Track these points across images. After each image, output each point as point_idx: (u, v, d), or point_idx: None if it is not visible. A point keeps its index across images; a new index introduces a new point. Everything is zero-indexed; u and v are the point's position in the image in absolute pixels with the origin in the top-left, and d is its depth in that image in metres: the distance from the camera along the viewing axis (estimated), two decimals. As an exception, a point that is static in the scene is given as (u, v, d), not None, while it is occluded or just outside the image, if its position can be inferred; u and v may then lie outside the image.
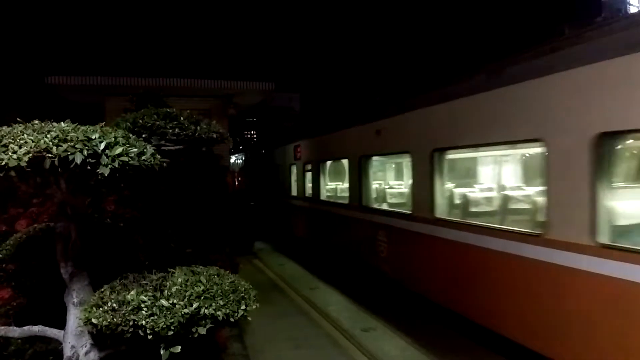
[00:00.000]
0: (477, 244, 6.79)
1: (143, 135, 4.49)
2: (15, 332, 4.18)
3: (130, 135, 3.70)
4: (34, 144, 3.06)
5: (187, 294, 3.59)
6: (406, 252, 8.79)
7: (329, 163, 13.62)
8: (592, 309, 5.05)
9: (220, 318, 3.60)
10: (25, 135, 3.12)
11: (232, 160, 26.04)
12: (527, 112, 6.05)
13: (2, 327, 4.23)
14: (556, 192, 5.67)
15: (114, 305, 3.54)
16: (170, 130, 4.71)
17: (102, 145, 3.22)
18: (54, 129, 3.21)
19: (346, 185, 12.19)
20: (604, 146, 5.08)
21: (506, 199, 8.24)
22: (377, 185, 11.50)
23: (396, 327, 8.55)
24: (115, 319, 3.46)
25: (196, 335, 3.57)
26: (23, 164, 3.00)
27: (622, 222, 5.30)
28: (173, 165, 4.18)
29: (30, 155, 3.02)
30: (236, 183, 26.34)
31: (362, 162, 10.58)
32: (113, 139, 3.33)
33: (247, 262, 14.27)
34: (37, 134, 3.15)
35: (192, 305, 3.52)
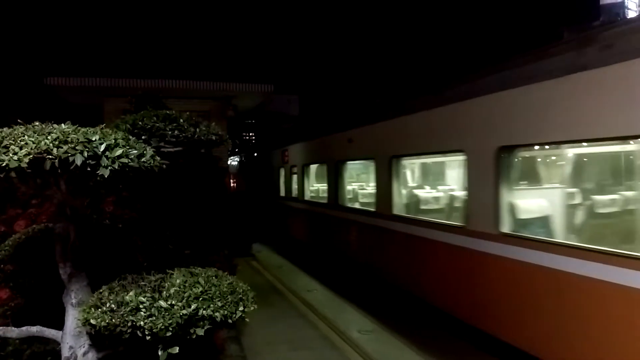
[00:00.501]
0: (423, 236, 8.25)
1: (142, 137, 4.51)
2: (13, 332, 4.19)
3: (130, 137, 3.72)
4: (34, 145, 3.08)
5: (186, 295, 3.60)
6: (373, 243, 10.22)
7: (311, 166, 15.30)
8: (498, 284, 6.52)
9: (218, 319, 3.62)
10: (26, 137, 3.14)
11: (229, 162, 26.17)
12: (454, 128, 7.51)
13: (0, 328, 4.24)
14: (473, 192, 7.08)
15: (113, 306, 3.55)
16: (170, 132, 4.73)
17: (103, 147, 3.24)
18: (55, 131, 3.23)
19: (326, 186, 13.63)
20: (503, 156, 6.50)
21: (443, 198, 10.02)
22: (352, 187, 13.03)
23: (393, 329, 8.58)
24: (113, 320, 3.48)
25: (194, 337, 3.59)
26: (24, 165, 3.02)
27: (519, 215, 6.66)
28: (172, 166, 4.20)
29: (31, 156, 3.04)
30: (233, 185, 26.59)
31: (338, 166, 12.05)
32: (113, 141, 3.35)
33: (246, 263, 14.28)
34: (37, 135, 3.17)
35: (190, 307, 3.54)
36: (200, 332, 3.59)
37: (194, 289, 3.67)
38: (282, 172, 17.94)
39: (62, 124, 3.39)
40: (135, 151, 3.45)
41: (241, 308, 3.80)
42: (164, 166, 3.79)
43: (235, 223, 13.28)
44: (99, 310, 3.58)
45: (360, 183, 13.81)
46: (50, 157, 3.08)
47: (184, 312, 3.50)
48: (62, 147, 3.10)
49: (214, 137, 5.04)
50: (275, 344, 7.89)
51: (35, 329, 4.17)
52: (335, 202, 12.32)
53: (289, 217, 17.24)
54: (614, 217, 7.09)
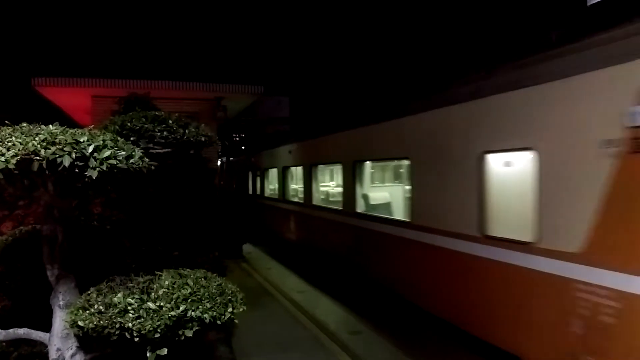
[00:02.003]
0: (379, 230, 9.51)
1: (131, 138, 4.51)
2: (0, 334, 4.17)
3: (119, 138, 3.73)
4: (22, 146, 3.07)
5: (174, 296, 3.60)
6: (344, 237, 11.33)
7: (273, 170, 17.64)
8: (423, 263, 7.96)
9: (207, 321, 3.63)
10: (14, 138, 3.14)
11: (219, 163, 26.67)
12: (401, 139, 8.72)
13: (-13, 330, 4.21)
14: (414, 191, 8.39)
15: (101, 307, 3.55)
16: (159, 134, 4.73)
17: (91, 148, 3.24)
18: (43, 132, 3.22)
19: (293, 186, 16.10)
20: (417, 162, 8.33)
21: (397, 197, 11.23)
22: (324, 188, 14.63)
23: (383, 330, 8.60)
24: (101, 322, 3.47)
25: (183, 338, 3.59)
26: (11, 166, 3.01)
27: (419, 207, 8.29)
28: (161, 168, 4.20)
29: (19, 157, 3.03)
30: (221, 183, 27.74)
31: (312, 169, 13.18)
32: (101, 142, 3.35)
33: (236, 265, 14.24)
34: (25, 136, 3.16)
35: (178, 308, 3.54)
36: (189, 333, 3.59)
37: (182, 291, 3.67)
38: (249, 175, 21.59)
39: (50, 125, 3.38)
40: (124, 152, 3.46)
41: (230, 309, 3.80)
42: (153, 167, 3.79)
43: (225, 224, 13.27)
44: (87, 312, 3.57)
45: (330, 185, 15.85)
46: (37, 158, 3.07)
47: (173, 313, 3.51)
48: (50, 149, 3.10)
49: (203, 139, 5.05)
50: (265, 345, 7.88)
51: (22, 331, 4.15)
52: (309, 201, 13.76)
53: (257, 212, 20.29)
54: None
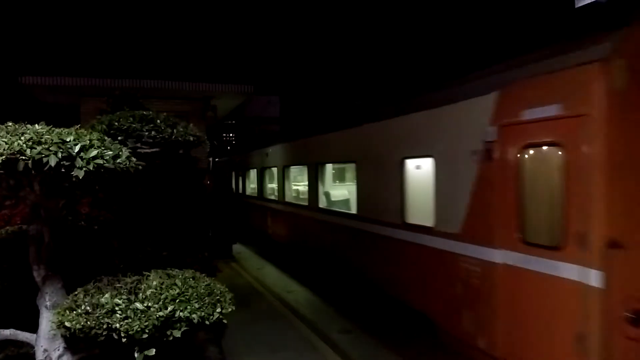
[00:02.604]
0: (339, 223, 10.99)
1: (119, 138, 4.48)
2: (-15, 336, 4.13)
3: (106, 137, 3.70)
4: (7, 146, 3.04)
5: (162, 297, 3.59)
6: (310, 231, 13.06)
7: (253, 170, 19.56)
8: (369, 246, 9.44)
9: (196, 321, 3.62)
10: (-1, 137, 3.11)
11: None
12: (350, 146, 10.35)
13: (-27, 331, 4.17)
14: (358, 189, 10.02)
15: (88, 308, 3.53)
16: (147, 133, 4.71)
17: (77, 148, 3.22)
18: (28, 131, 3.19)
19: (271, 185, 17.70)
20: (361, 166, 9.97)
21: (350, 195, 12.34)
22: (295, 187, 15.93)
23: (373, 329, 8.62)
24: (88, 322, 3.45)
25: (171, 339, 3.57)
26: (-4, 166, 2.98)
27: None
28: (149, 167, 4.18)
29: (4, 157, 3.00)
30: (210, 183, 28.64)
31: (284, 170, 14.96)
32: (88, 142, 3.33)
33: (225, 265, 14.20)
34: (10, 136, 3.13)
35: (167, 308, 3.53)
36: (177, 334, 3.58)
37: (170, 291, 3.66)
38: (232, 174, 23.60)
39: (36, 125, 3.35)
40: (111, 152, 3.43)
41: (219, 309, 3.80)
42: (140, 167, 3.77)
43: (215, 224, 13.23)
44: (74, 312, 3.55)
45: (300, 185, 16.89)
46: (23, 158, 3.05)
47: (161, 314, 3.49)
48: (35, 148, 3.07)
49: (191, 138, 5.03)
50: (255, 345, 7.88)
51: (8, 332, 4.11)
52: (283, 198, 15.56)
53: (244, 210, 21.48)
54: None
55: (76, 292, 3.78)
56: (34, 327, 4.04)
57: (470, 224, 6.41)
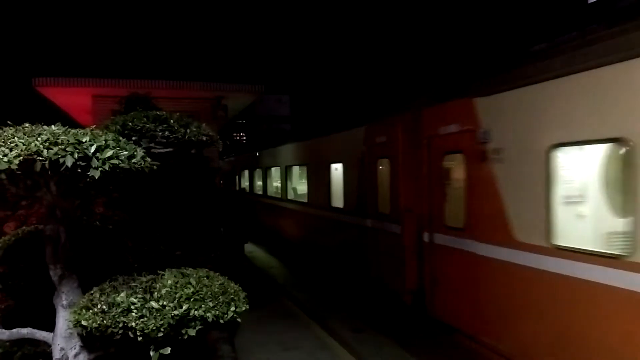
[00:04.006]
0: (302, 211, 15.01)
1: (133, 138, 4.51)
2: (3, 334, 4.18)
3: (121, 138, 3.73)
4: (24, 147, 3.07)
5: (177, 295, 3.61)
6: (281, 218, 17.66)
7: (247, 171, 24.68)
8: (315, 225, 14.00)
9: (210, 320, 3.64)
10: (16, 139, 3.14)
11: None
12: (303, 153, 14.99)
13: (-9, 330, 4.22)
14: (308, 185, 14.39)
15: (104, 307, 3.55)
16: (160, 133, 4.73)
17: (93, 149, 3.25)
18: (45, 132, 3.23)
19: (258, 183, 22.36)
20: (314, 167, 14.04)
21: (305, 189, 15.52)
22: (275, 184, 19.63)
23: (385, 329, 8.61)
24: (104, 321, 3.48)
25: (186, 337, 3.60)
26: (14, 166, 3.02)
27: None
28: (163, 167, 4.20)
29: (21, 158, 3.04)
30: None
31: (266, 170, 19.96)
32: (103, 142, 3.36)
33: (238, 264, 14.26)
34: (27, 137, 3.17)
35: (181, 307, 3.55)
36: (192, 332, 3.60)
37: (185, 290, 3.68)
38: (236, 174, 27.58)
39: (52, 126, 3.39)
40: (126, 152, 3.46)
41: (233, 308, 3.81)
42: (155, 167, 3.79)
43: (227, 223, 13.27)
44: (90, 311, 3.58)
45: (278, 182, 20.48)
46: (40, 158, 3.08)
47: (176, 312, 3.51)
48: (52, 149, 3.10)
49: (204, 138, 5.05)
50: (267, 344, 7.91)
51: (25, 331, 4.16)
52: (264, 193, 20.47)
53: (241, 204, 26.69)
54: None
55: (92, 291, 3.81)
56: (50, 326, 4.08)
57: (358, 204, 10.81)
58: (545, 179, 5.57)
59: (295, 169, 16.49)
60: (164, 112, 5.03)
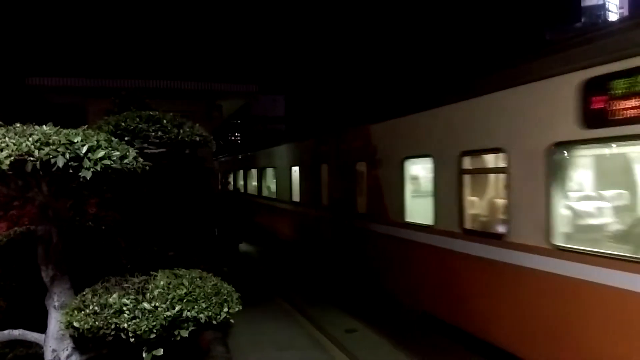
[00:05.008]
0: (276, 206, 16.94)
1: (126, 138, 4.49)
2: (-5, 336, 4.15)
3: (113, 138, 3.71)
4: (15, 147, 3.05)
5: (170, 296, 3.60)
6: (257, 210, 20.16)
7: (231, 171, 27.60)
8: (285, 217, 16.21)
9: (203, 321, 3.63)
10: (7, 139, 3.12)
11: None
12: (272, 158, 17.45)
13: (-18, 331, 4.19)
14: (278, 185, 17.03)
15: (96, 308, 3.54)
16: (153, 133, 4.72)
17: (85, 149, 3.23)
18: (36, 132, 3.21)
19: (240, 182, 25.15)
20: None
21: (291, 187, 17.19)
22: (254, 183, 21.97)
23: (378, 328, 8.62)
24: (97, 322, 3.47)
25: (178, 338, 3.58)
26: (4, 167, 3.00)
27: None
28: (156, 168, 4.19)
29: (12, 158, 3.01)
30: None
31: (246, 171, 23.17)
32: (95, 143, 3.34)
33: (231, 265, 14.23)
34: (18, 137, 3.15)
35: (174, 308, 3.54)
36: (185, 333, 3.59)
37: (178, 291, 3.67)
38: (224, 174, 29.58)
39: (44, 126, 3.37)
40: (118, 153, 3.44)
41: (226, 309, 3.80)
42: (147, 167, 3.78)
43: (221, 223, 13.25)
44: (82, 312, 3.56)
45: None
46: (31, 159, 3.06)
47: (168, 313, 3.50)
48: (43, 149, 3.09)
49: (197, 138, 5.03)
50: (261, 344, 7.90)
51: (17, 332, 4.14)
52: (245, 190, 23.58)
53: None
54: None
55: (84, 292, 3.80)
56: (42, 328, 4.06)
57: (309, 198, 13.48)
58: (401, 179, 8.42)
59: (269, 171, 18.97)
60: (157, 112, 5.01)
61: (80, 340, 3.81)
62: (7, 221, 6.27)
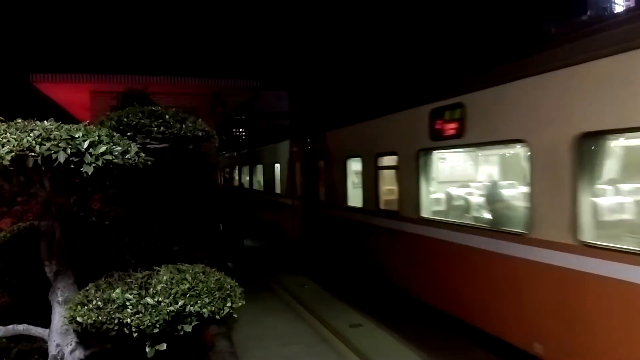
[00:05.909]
0: (260, 196, 20.02)
1: (128, 134, 4.49)
2: (0, 330, 4.17)
3: (115, 133, 3.71)
4: (16, 142, 3.05)
5: (173, 291, 3.60)
6: (254, 203, 21.21)
7: (229, 168, 29.95)
8: (271, 208, 19.08)
9: (206, 315, 3.63)
10: (8, 134, 3.12)
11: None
12: (254, 157, 21.60)
13: (-13, 327, 4.21)
14: (265, 179, 19.80)
15: (99, 303, 3.54)
16: (155, 129, 4.71)
17: (86, 144, 3.22)
18: (37, 128, 3.20)
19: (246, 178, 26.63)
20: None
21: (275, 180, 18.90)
22: (246, 177, 24.39)
23: (383, 323, 8.61)
24: (100, 317, 3.47)
25: (182, 333, 3.58)
26: (6, 162, 3.00)
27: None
28: (159, 163, 4.19)
29: (13, 154, 3.02)
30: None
31: (236, 167, 26.36)
32: (97, 138, 3.34)
33: (236, 259, 14.27)
34: (20, 132, 3.15)
35: (177, 303, 3.54)
36: (188, 328, 3.58)
37: (181, 286, 3.66)
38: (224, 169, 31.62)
39: (45, 121, 3.36)
40: (120, 148, 3.44)
41: (229, 304, 3.79)
42: (149, 163, 3.77)
43: (225, 218, 13.28)
44: (86, 307, 3.57)
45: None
46: (32, 154, 3.06)
47: (171, 308, 3.50)
48: (44, 145, 3.08)
49: (200, 133, 5.03)
50: (266, 339, 7.91)
51: (21, 327, 4.15)
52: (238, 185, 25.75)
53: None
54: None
55: (87, 288, 3.80)
56: (46, 322, 4.07)
57: (287, 190, 15.60)
58: (344, 174, 11.31)
59: (258, 167, 21.50)
60: (160, 108, 5.00)
61: (84, 335, 3.82)
62: (11, 217, 6.30)
